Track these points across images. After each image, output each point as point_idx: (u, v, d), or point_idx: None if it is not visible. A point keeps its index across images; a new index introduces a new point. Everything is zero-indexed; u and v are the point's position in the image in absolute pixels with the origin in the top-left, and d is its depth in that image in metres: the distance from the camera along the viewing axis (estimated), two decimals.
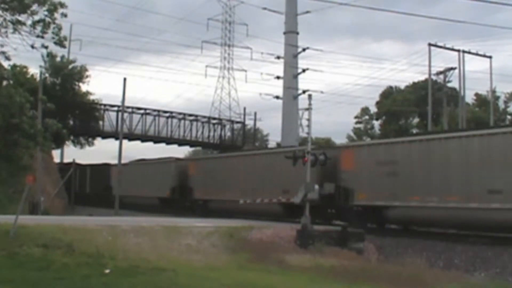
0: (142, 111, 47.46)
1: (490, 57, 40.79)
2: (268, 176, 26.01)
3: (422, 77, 56.43)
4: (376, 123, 65.17)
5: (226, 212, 27.65)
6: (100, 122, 46.76)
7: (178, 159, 36.73)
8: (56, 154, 50.05)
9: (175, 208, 32.59)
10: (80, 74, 45.26)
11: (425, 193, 19.61)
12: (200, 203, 31.07)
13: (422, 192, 19.72)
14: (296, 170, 21.92)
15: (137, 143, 49.06)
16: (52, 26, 16.52)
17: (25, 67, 35.12)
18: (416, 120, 62.00)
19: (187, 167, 33.53)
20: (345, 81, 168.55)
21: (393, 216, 20.99)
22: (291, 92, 47.32)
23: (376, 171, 21.47)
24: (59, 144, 45.56)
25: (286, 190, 23.72)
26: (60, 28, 16.84)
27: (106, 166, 45.41)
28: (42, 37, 16.51)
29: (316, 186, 20.77)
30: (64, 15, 16.68)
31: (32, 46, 16.43)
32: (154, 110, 48.46)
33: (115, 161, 40.61)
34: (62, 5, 16.56)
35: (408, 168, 20.51)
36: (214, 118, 54.81)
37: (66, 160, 56.69)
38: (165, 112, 48.91)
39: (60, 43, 17.07)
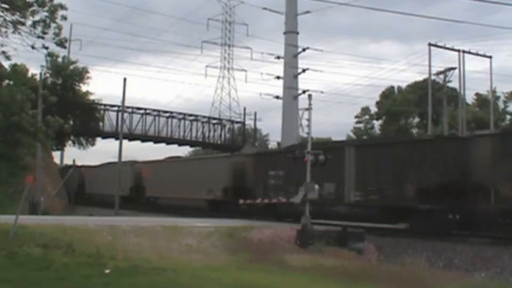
0: (142, 111, 47.51)
1: (490, 57, 40.74)
2: (198, 178, 31.31)
3: (422, 77, 56.54)
4: (376, 123, 65.27)
5: (171, 208, 32.69)
6: (100, 122, 46.81)
7: (135, 162, 41.10)
8: (55, 155, 50.23)
9: (133, 204, 37.76)
10: (81, 74, 45.34)
11: None
12: (152, 200, 36.82)
13: None
14: (217, 172, 29.49)
15: (137, 143, 49.14)
16: (52, 26, 16.54)
17: (26, 68, 35.13)
18: (416, 120, 62.06)
19: (141, 169, 38.71)
20: (345, 81, 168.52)
21: None
22: (291, 92, 47.33)
23: None
24: (61, 144, 45.65)
25: (210, 189, 29.87)
26: (60, 29, 16.88)
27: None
28: (43, 38, 16.53)
29: (316, 186, 20.75)
30: (64, 17, 16.71)
31: (33, 47, 16.45)
32: (154, 110, 48.51)
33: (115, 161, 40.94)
34: (63, 7, 16.58)
35: None
36: (214, 118, 54.87)
37: (65, 161, 56.92)
38: (165, 112, 48.95)
39: (60, 43, 17.10)
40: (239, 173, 28.74)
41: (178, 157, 41.76)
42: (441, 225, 19.02)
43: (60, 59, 43.48)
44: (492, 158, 18.73)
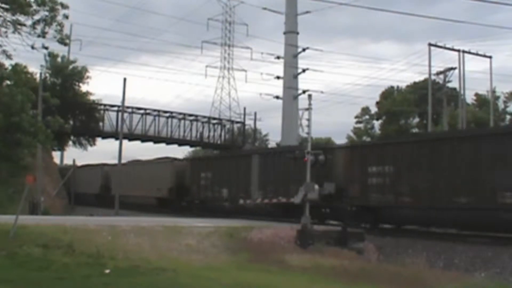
0: (142, 111, 47.46)
1: (490, 57, 40.81)
2: (150, 179, 36.34)
3: (421, 77, 56.53)
4: (377, 123, 65.26)
5: (131, 204, 36.83)
6: (100, 122, 46.79)
7: (104, 165, 45.47)
8: (55, 155, 50.25)
9: (102, 201, 40.77)
10: (80, 74, 45.32)
11: None
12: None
13: None
14: (164, 175, 34.78)
15: (137, 143, 49.12)
16: (54, 23, 16.51)
17: (26, 67, 35.10)
18: (416, 120, 62.05)
19: (108, 171, 43.02)
20: (345, 81, 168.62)
21: None
22: (291, 92, 47.31)
23: None
24: (61, 144, 45.64)
25: (159, 188, 34.77)
26: (62, 26, 16.84)
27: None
28: (43, 37, 16.50)
29: (316, 186, 20.76)
30: (66, 16, 16.68)
31: (32, 47, 16.42)
32: (154, 110, 48.47)
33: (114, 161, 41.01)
34: (64, 6, 16.56)
35: None
36: (214, 118, 54.81)
37: (66, 161, 56.98)
38: (165, 112, 48.92)
39: (62, 41, 17.06)
40: (180, 175, 34.24)
41: (139, 160, 44.51)
42: (317, 216, 22.54)
43: (59, 59, 43.48)
44: (344, 166, 23.09)
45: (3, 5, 16.06)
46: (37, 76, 37.01)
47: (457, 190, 18.67)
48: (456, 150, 19.08)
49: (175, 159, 38.28)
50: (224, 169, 29.89)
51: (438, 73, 42.24)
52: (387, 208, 21.25)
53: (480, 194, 17.97)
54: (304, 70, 48.25)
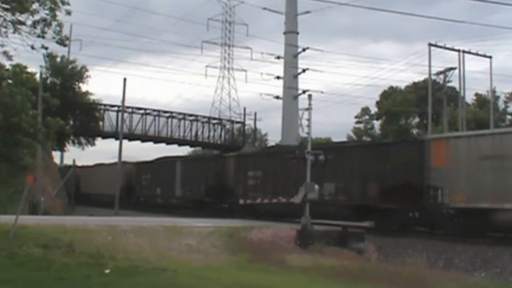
0: (142, 111, 47.43)
1: (490, 57, 40.77)
2: (108, 179, 41.21)
3: (421, 77, 56.55)
4: (377, 123, 65.27)
5: (96, 201, 42.46)
6: (100, 122, 46.77)
7: (77, 167, 47.45)
8: (55, 155, 50.24)
9: (74, 199, 42.72)
10: (80, 74, 45.29)
11: None
12: (85, 195, 45.74)
13: None
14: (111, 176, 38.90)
15: (137, 143, 49.11)
16: (53, 24, 16.49)
17: (26, 67, 35.11)
18: (416, 120, 62.07)
19: (79, 172, 47.16)
20: (345, 81, 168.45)
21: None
22: (291, 92, 47.32)
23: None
24: (61, 144, 45.61)
25: (110, 188, 38.32)
26: (61, 27, 16.83)
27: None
28: (43, 37, 16.49)
29: (316, 186, 20.77)
30: (68, 12, 16.65)
31: (32, 47, 16.41)
32: (154, 110, 48.44)
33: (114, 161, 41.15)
34: (64, 3, 16.53)
35: None
36: (214, 118, 54.78)
37: (65, 161, 56.99)
38: (165, 112, 48.91)
39: (61, 42, 17.05)
40: (129, 176, 41.18)
41: (102, 163, 49.15)
42: (215, 211, 29.50)
43: (58, 59, 43.44)
44: (235, 171, 29.65)
45: (3, 5, 16.05)
46: (37, 76, 37.11)
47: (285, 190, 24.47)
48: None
49: (125, 162, 41.76)
50: (158, 172, 37.49)
51: (438, 73, 42.22)
52: (258, 204, 27.26)
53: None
54: (304, 70, 48.29)
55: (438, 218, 19.70)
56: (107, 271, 11.76)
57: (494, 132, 22.07)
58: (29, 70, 25.26)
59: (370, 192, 22.00)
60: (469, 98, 56.83)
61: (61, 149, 50.68)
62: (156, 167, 37.67)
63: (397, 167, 21.00)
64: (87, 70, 45.67)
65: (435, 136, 24.98)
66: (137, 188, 40.38)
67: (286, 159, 23.19)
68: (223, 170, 30.28)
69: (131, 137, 46.46)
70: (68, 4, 16.62)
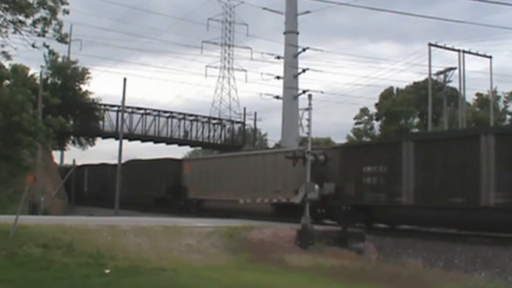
0: (142, 111, 47.42)
1: (490, 57, 40.82)
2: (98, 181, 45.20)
3: (421, 78, 56.53)
4: (376, 124, 65.22)
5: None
6: (100, 122, 46.77)
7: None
8: (55, 155, 50.22)
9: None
10: (82, 75, 45.32)
11: None
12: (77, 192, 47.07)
13: None
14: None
15: (137, 143, 49.11)
16: (53, 22, 16.49)
17: (27, 68, 35.11)
18: (416, 120, 62.04)
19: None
20: (345, 81, 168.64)
21: None
22: (291, 92, 47.29)
23: None
24: (61, 144, 45.59)
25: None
26: (61, 25, 16.83)
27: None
28: (43, 36, 16.49)
29: (316, 186, 20.77)
30: (66, 12, 16.66)
31: (33, 45, 16.41)
32: (154, 110, 48.44)
33: (114, 161, 41.10)
34: (63, 2, 16.54)
35: None
36: (214, 118, 54.77)
37: (66, 161, 56.93)
38: (165, 112, 48.91)
39: (61, 39, 17.05)
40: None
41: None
42: (172, 207, 33.76)
43: (60, 59, 43.44)
44: (187, 173, 34.02)
45: (3, 5, 16.05)
46: (37, 76, 37.13)
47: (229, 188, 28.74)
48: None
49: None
50: (129, 173, 40.15)
51: (438, 73, 42.25)
52: (207, 200, 30.95)
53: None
54: (304, 70, 48.22)
55: None
56: (107, 271, 11.77)
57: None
58: (29, 70, 25.38)
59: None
60: (470, 98, 56.91)
61: (62, 148, 50.68)
62: (127, 168, 39.67)
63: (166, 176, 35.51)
64: (88, 72, 45.74)
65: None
66: (83, 189, 46.62)
67: (227, 161, 30.81)
68: (179, 172, 34.58)
69: (131, 137, 46.46)
70: (67, 3, 16.64)
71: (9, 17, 16.18)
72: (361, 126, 66.57)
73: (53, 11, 16.40)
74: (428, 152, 19.40)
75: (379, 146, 23.55)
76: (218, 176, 30.39)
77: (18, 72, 18.79)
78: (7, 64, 18.49)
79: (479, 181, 17.33)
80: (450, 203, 18.17)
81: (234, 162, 30.53)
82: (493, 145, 17.20)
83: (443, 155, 18.87)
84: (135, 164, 41.44)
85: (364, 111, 65.69)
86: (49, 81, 42.97)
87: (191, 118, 49.94)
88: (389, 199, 20.39)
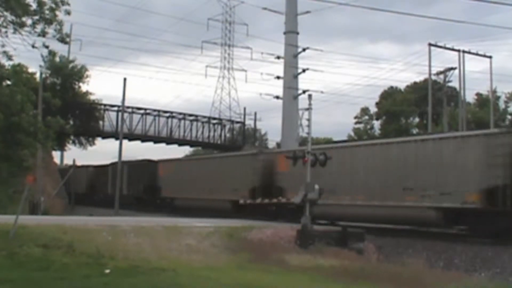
0: (142, 111, 47.45)
1: (490, 57, 40.84)
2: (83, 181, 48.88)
3: (421, 78, 56.55)
4: (376, 123, 65.25)
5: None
6: (100, 122, 46.77)
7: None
8: (55, 155, 50.23)
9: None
10: (80, 73, 45.27)
11: None
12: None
13: None
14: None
15: (137, 143, 49.14)
16: (54, 22, 16.48)
17: (26, 67, 35.07)
18: (416, 120, 62.06)
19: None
20: (345, 81, 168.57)
21: None
22: (291, 92, 47.26)
23: None
24: (61, 144, 45.58)
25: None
26: (62, 25, 16.82)
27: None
28: (43, 36, 16.48)
29: (316, 186, 20.75)
30: (67, 12, 16.64)
31: (33, 46, 16.40)
32: (154, 110, 48.47)
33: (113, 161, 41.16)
34: (64, 3, 16.53)
35: None
36: (214, 118, 54.80)
37: (66, 161, 56.95)
38: (165, 112, 48.91)
39: (62, 39, 17.05)
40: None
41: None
42: (148, 205, 37.33)
43: (57, 59, 43.37)
44: (161, 174, 37.54)
45: (3, 5, 16.05)
46: (37, 76, 37.07)
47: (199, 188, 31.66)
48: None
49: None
50: (113, 174, 41.55)
51: (438, 73, 42.27)
52: (177, 198, 34.18)
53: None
54: (304, 70, 48.18)
55: None
56: (107, 271, 11.76)
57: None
58: (29, 70, 25.33)
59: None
60: (470, 98, 56.89)
61: (62, 148, 50.67)
62: (111, 170, 42.20)
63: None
64: (87, 70, 45.71)
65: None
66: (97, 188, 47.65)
67: (195, 163, 35.08)
68: (155, 172, 37.17)
69: (131, 137, 46.48)
70: (68, 4, 16.64)
71: (9, 17, 16.18)
72: (361, 125, 66.60)
73: (53, 11, 16.39)
74: None
75: None
76: (187, 176, 33.36)
77: (18, 72, 18.75)
78: (7, 65, 18.49)
79: None
80: None
81: (200, 164, 34.49)
82: None
83: None
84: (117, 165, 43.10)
85: (364, 110, 65.72)
86: (48, 81, 42.92)
87: (191, 118, 49.95)
88: (180, 194, 34.22)
